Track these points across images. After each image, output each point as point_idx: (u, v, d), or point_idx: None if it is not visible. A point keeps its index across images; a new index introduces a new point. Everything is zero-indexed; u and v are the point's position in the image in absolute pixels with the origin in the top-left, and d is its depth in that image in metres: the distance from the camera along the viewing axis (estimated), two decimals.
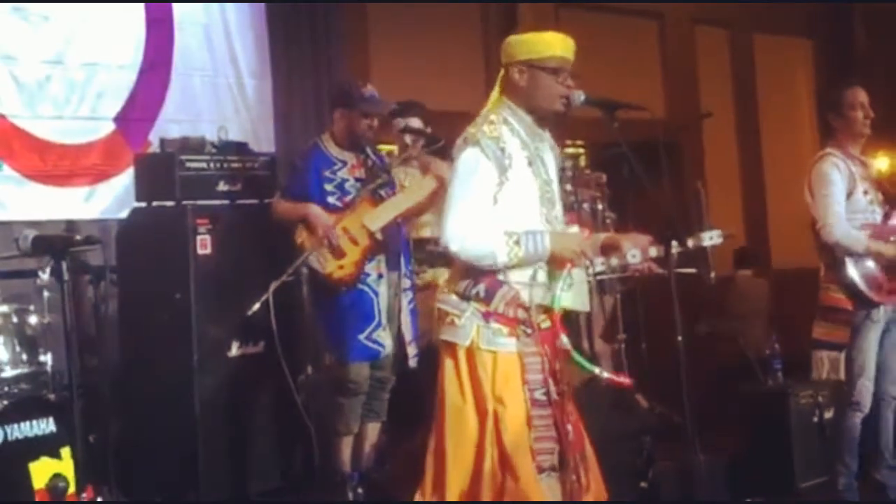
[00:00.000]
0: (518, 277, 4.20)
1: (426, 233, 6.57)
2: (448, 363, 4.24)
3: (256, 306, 5.86)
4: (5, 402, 5.28)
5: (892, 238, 5.75)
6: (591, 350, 7.55)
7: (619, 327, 7.89)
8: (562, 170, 4.67)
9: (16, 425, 5.18)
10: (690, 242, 4.48)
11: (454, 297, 4.24)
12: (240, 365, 6.30)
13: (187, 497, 6.08)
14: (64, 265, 5.11)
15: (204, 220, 6.21)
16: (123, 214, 6.71)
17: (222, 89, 7.65)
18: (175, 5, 7.38)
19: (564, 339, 4.21)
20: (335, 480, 6.14)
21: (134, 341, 6.39)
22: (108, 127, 7.03)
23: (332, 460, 6.18)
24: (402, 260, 6.19)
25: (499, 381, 4.16)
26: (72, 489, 5.26)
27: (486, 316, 4.18)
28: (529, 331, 4.19)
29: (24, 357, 5.50)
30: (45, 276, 5.51)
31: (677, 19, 10.80)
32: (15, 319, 5.52)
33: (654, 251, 4.42)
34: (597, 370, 4.39)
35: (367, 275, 6.04)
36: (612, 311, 7.90)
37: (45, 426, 5.29)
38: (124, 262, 6.34)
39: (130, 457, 6.26)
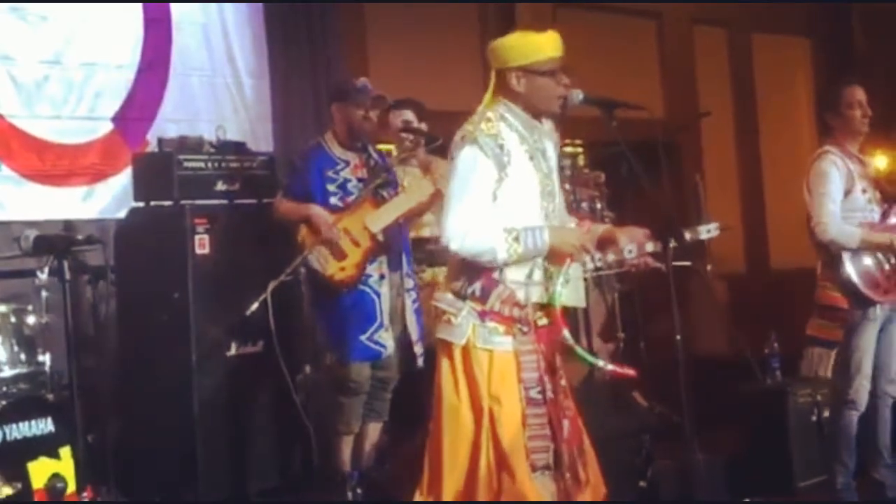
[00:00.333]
0: (514, 276, 4.20)
1: (426, 232, 6.57)
2: (444, 362, 4.25)
3: (255, 306, 5.87)
4: (4, 403, 5.28)
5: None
6: (589, 349, 7.55)
7: (618, 326, 7.89)
8: (560, 168, 4.66)
9: (14, 425, 5.19)
10: (688, 235, 4.48)
11: (450, 296, 4.25)
12: (238, 364, 6.29)
13: (186, 497, 6.08)
14: (65, 265, 5.12)
15: (202, 220, 6.21)
16: (122, 214, 6.71)
17: (220, 89, 7.64)
18: (173, 5, 7.37)
19: (566, 334, 4.22)
20: (335, 480, 6.14)
21: (132, 341, 6.38)
22: (107, 127, 7.03)
23: (331, 460, 6.18)
24: (404, 260, 6.18)
25: (495, 379, 4.16)
26: (71, 489, 5.26)
27: (482, 314, 4.19)
28: (525, 329, 4.19)
29: (23, 357, 5.50)
30: (43, 275, 5.51)
31: (676, 19, 10.80)
32: (13, 319, 5.52)
33: (650, 246, 4.42)
34: (600, 363, 4.42)
35: (369, 276, 6.03)
36: (611, 310, 7.90)
37: (44, 426, 5.29)
38: (122, 261, 6.33)
39: (129, 457, 6.26)
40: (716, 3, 10.82)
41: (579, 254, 4.22)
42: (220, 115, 7.45)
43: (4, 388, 5.40)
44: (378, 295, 6.04)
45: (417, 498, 4.28)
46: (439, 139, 6.20)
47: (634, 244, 4.37)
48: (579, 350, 4.26)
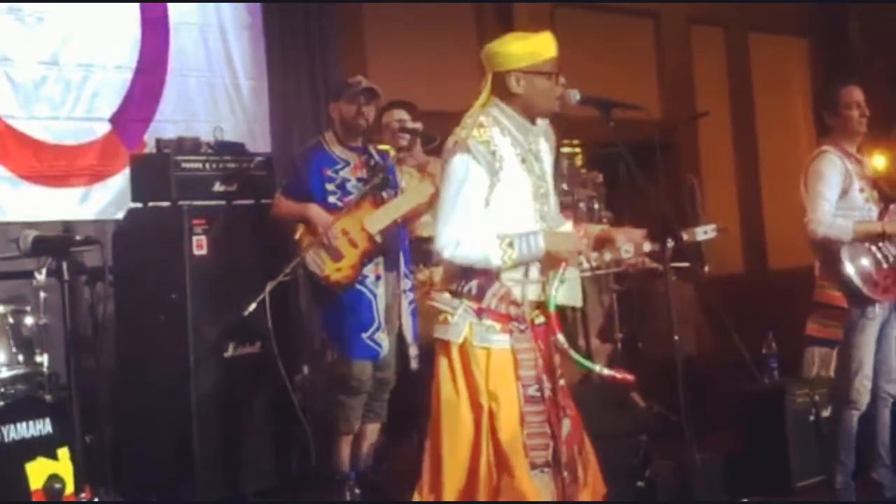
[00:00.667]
0: (511, 274, 4.20)
1: (423, 232, 6.57)
2: (442, 361, 4.24)
3: (253, 306, 5.87)
4: (2, 403, 5.28)
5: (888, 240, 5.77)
6: (587, 349, 7.56)
7: (616, 326, 7.90)
8: (556, 168, 4.65)
9: (12, 426, 5.18)
10: (685, 237, 4.48)
11: (447, 295, 4.25)
12: (236, 365, 6.29)
13: (183, 497, 6.08)
14: (64, 266, 5.12)
15: (200, 221, 6.21)
16: (119, 215, 6.71)
17: (218, 90, 7.64)
18: (170, 6, 7.37)
19: (560, 338, 4.21)
20: (333, 480, 6.13)
21: (130, 342, 6.38)
22: (104, 127, 7.02)
23: (331, 459, 6.17)
24: (402, 260, 6.18)
25: (492, 377, 4.16)
26: (69, 490, 5.26)
27: (479, 313, 4.18)
28: (523, 327, 4.19)
29: (21, 358, 5.50)
30: (41, 276, 5.51)
31: (673, 19, 10.80)
32: (11, 320, 5.52)
33: (647, 246, 4.42)
34: (596, 368, 4.39)
35: (366, 276, 6.03)
36: (609, 310, 7.91)
37: (42, 427, 5.29)
38: (120, 262, 6.33)
39: (127, 457, 6.26)
40: (713, 3, 10.82)
41: (574, 258, 4.22)
42: (218, 116, 7.45)
43: (3, 389, 5.40)
44: (374, 296, 6.04)
45: (416, 498, 4.27)
46: (437, 139, 6.20)
47: (631, 244, 4.37)
48: (575, 355, 4.25)
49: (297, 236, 6.04)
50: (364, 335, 6.00)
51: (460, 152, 4.16)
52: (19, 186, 6.62)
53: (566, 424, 4.25)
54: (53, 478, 5.25)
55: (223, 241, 6.27)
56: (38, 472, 5.22)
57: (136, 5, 7.21)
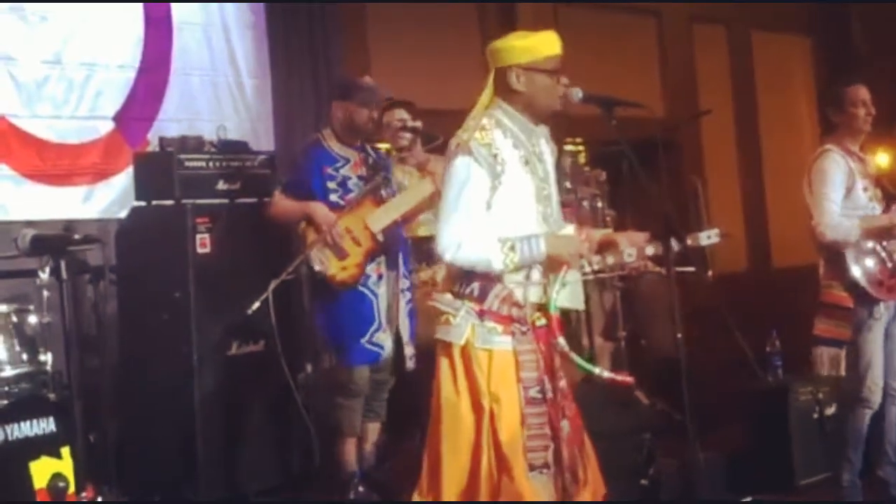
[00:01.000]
0: (512, 276, 4.19)
1: (423, 231, 6.57)
2: (444, 362, 4.24)
3: (256, 305, 5.86)
4: (5, 402, 5.28)
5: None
6: (591, 348, 7.56)
7: (620, 324, 7.89)
8: (558, 165, 4.66)
9: (16, 425, 5.18)
10: (689, 241, 4.48)
11: (448, 296, 4.25)
12: (239, 364, 6.29)
13: (186, 496, 6.08)
14: (63, 264, 5.11)
15: (203, 219, 6.21)
16: (123, 214, 6.71)
17: (221, 88, 7.64)
18: (174, 5, 7.37)
19: (561, 342, 4.21)
20: (340, 480, 6.12)
21: (134, 341, 6.38)
22: (107, 126, 7.03)
23: (335, 460, 6.17)
24: (401, 260, 6.18)
25: (494, 379, 4.15)
26: (72, 489, 5.25)
27: (481, 314, 4.18)
28: (524, 329, 4.18)
29: (24, 357, 5.50)
30: (44, 275, 5.50)
31: (675, 17, 10.79)
32: (14, 319, 5.52)
33: (650, 249, 4.42)
34: (596, 370, 4.38)
35: (368, 276, 6.03)
36: (612, 309, 7.90)
37: (46, 425, 5.29)
38: (124, 261, 6.34)
39: (130, 456, 6.26)
40: (715, 2, 10.82)
41: (576, 261, 4.22)
42: (221, 115, 7.45)
43: (6, 388, 5.40)
44: (376, 295, 6.04)
45: (416, 499, 4.27)
46: (439, 138, 6.20)
47: (634, 248, 4.37)
48: (576, 358, 4.25)
49: (299, 231, 6.02)
50: (363, 340, 5.99)
51: (462, 154, 4.17)
52: (22, 185, 6.63)
53: (565, 425, 4.24)
54: (57, 476, 5.24)
55: (226, 240, 6.27)
56: (41, 470, 5.22)
57: (139, 4, 7.21)
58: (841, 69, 10.68)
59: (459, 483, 4.17)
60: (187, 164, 6.32)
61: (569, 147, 8.54)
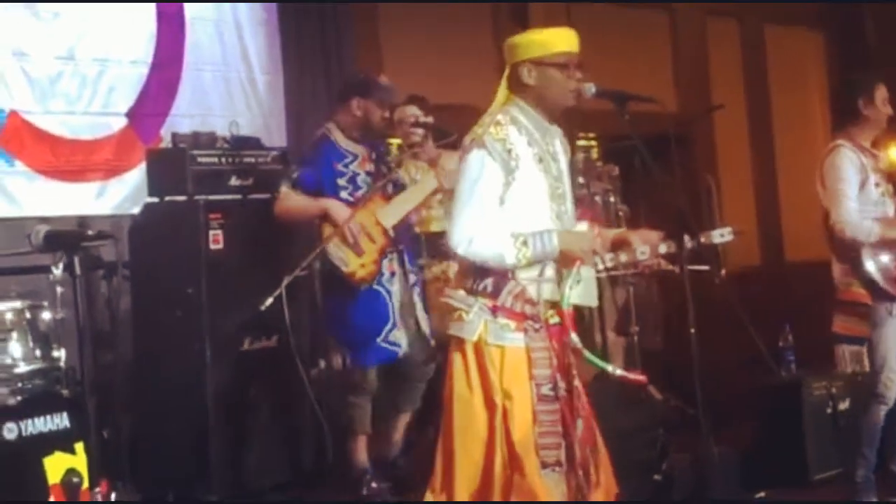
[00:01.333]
0: (526, 273, 4.19)
1: (435, 227, 6.57)
2: (456, 358, 4.23)
3: (269, 301, 5.86)
4: (20, 398, 5.28)
5: None
6: (603, 343, 7.55)
7: (632, 320, 7.88)
8: (572, 162, 4.65)
9: (30, 420, 5.18)
10: (702, 240, 4.48)
11: (461, 293, 4.24)
12: (252, 359, 6.30)
13: (199, 491, 6.09)
14: (76, 261, 5.12)
15: (216, 215, 6.22)
16: (136, 210, 6.72)
17: (234, 84, 7.65)
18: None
19: (574, 338, 4.20)
20: (353, 476, 6.12)
21: (147, 336, 6.39)
22: (120, 122, 7.04)
23: (348, 457, 6.16)
24: (407, 256, 6.17)
25: (507, 375, 4.15)
26: (85, 484, 5.26)
27: (494, 310, 4.17)
28: (537, 326, 4.18)
29: (38, 353, 5.50)
30: (58, 271, 5.50)
31: (689, 12, 10.78)
32: (28, 315, 5.52)
33: (664, 247, 4.42)
34: (609, 368, 4.38)
35: (381, 274, 6.02)
36: (625, 304, 7.89)
37: (60, 421, 5.29)
38: (137, 257, 6.35)
39: (143, 452, 6.28)
40: None
41: (589, 257, 4.21)
42: (234, 111, 7.45)
43: (20, 384, 5.39)
44: (389, 293, 6.03)
45: (429, 497, 4.26)
46: (452, 134, 6.20)
47: (647, 246, 4.37)
48: (589, 355, 4.24)
49: (325, 233, 5.97)
50: (379, 339, 5.97)
51: (476, 148, 4.17)
52: (35, 181, 6.64)
53: (579, 424, 4.24)
54: (71, 472, 5.25)
55: (239, 236, 6.27)
56: (55, 466, 5.22)
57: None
58: (854, 64, 10.65)
59: (472, 480, 4.16)
60: (200, 160, 6.33)
61: (581, 142, 8.53)
